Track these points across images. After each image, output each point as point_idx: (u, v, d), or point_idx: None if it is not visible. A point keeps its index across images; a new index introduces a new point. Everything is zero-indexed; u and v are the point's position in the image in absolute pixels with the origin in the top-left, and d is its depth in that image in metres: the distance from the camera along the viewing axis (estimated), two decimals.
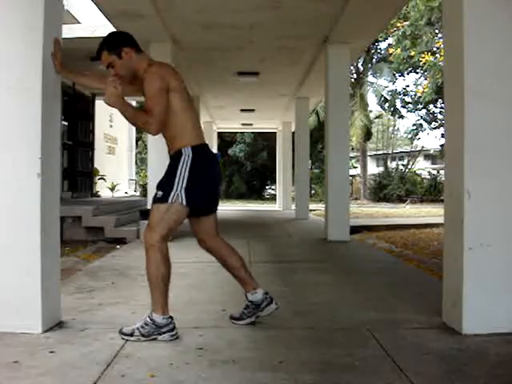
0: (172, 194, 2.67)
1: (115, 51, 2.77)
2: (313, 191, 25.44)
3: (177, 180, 2.68)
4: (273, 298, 2.99)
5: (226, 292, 3.74)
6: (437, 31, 14.63)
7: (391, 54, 17.72)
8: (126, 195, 14.75)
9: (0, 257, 2.77)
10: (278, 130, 17.64)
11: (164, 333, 2.69)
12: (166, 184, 2.72)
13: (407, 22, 14.97)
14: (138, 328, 2.69)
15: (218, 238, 2.98)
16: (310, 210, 12.98)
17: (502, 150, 2.91)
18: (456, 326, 2.88)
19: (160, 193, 2.71)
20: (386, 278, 4.55)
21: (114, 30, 6.60)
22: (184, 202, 2.68)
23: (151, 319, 2.69)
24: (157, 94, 2.64)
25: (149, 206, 6.75)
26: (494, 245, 2.86)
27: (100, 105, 12.70)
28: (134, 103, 16.20)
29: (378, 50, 24.56)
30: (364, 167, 25.90)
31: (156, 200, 2.73)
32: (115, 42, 2.80)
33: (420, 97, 18.97)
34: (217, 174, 2.91)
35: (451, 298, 2.98)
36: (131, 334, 2.68)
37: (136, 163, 18.89)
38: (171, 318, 2.73)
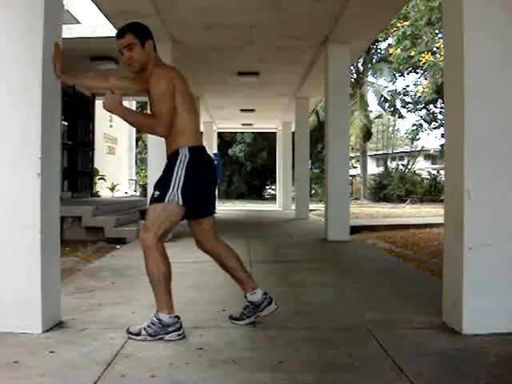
0: (168, 194, 2.68)
1: (141, 39, 2.78)
2: (313, 191, 25.43)
3: (173, 180, 2.69)
4: (272, 298, 3.00)
5: (226, 292, 3.74)
6: (437, 31, 14.63)
7: (391, 54, 17.72)
8: (126, 195, 14.75)
9: (0, 257, 2.78)
10: (278, 130, 17.65)
11: (171, 332, 2.69)
12: (162, 184, 2.73)
13: (407, 22, 14.97)
14: (144, 328, 2.70)
15: (216, 239, 2.98)
16: (310, 210, 12.97)
17: (501, 150, 2.91)
18: (456, 326, 2.88)
19: (157, 193, 2.72)
20: (386, 278, 4.55)
21: (114, 29, 6.61)
22: (180, 202, 2.68)
23: (158, 319, 2.69)
24: (164, 96, 2.67)
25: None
26: (494, 245, 2.86)
27: (100, 105, 12.70)
28: (134, 103, 16.21)
29: (378, 50, 24.57)
30: (364, 167, 25.91)
31: (153, 200, 2.74)
32: (144, 31, 2.82)
33: (420, 97, 18.98)
34: (213, 175, 2.93)
35: (451, 298, 2.98)
36: (138, 334, 2.69)
37: (136, 163, 18.89)
38: (178, 317, 2.73)
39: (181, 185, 2.69)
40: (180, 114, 2.74)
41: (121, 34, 2.79)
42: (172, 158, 2.76)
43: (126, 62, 2.81)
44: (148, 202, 2.80)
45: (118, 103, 2.64)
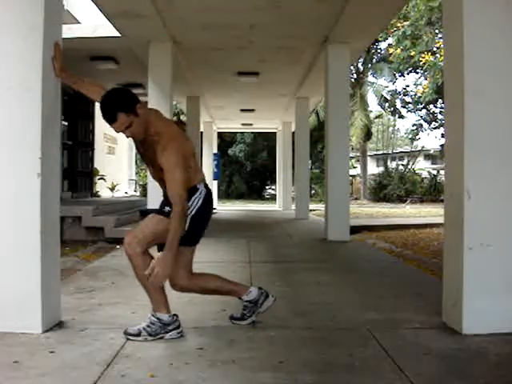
0: None
1: (132, 110, 2.53)
2: (313, 191, 25.43)
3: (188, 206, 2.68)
4: (268, 291, 3.02)
5: None
6: (437, 31, 14.62)
7: (391, 53, 17.71)
8: (125, 195, 14.74)
9: (0, 257, 2.77)
10: (278, 130, 17.65)
11: (170, 331, 2.72)
12: None
13: (407, 22, 14.95)
14: (144, 328, 2.70)
15: (191, 273, 2.87)
16: (310, 210, 12.97)
17: (502, 149, 2.91)
18: (456, 326, 2.88)
19: (168, 209, 2.66)
20: (386, 278, 4.55)
21: (114, 29, 6.60)
22: (186, 227, 2.65)
23: (157, 318, 2.71)
24: (179, 168, 2.54)
25: (148, 206, 6.77)
26: (494, 245, 2.86)
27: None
28: None
29: (378, 50, 24.56)
30: (364, 167, 25.90)
31: (162, 213, 2.71)
32: (130, 100, 2.56)
33: (420, 97, 18.97)
34: (212, 207, 2.95)
35: (451, 297, 2.98)
36: (138, 334, 2.69)
37: (136, 163, 18.84)
38: (176, 315, 2.76)
39: (193, 213, 2.69)
40: (191, 158, 2.71)
41: (111, 117, 2.53)
42: (190, 192, 2.68)
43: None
44: (155, 212, 2.77)
45: (169, 261, 2.51)
